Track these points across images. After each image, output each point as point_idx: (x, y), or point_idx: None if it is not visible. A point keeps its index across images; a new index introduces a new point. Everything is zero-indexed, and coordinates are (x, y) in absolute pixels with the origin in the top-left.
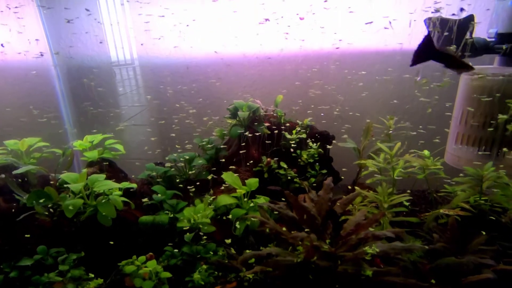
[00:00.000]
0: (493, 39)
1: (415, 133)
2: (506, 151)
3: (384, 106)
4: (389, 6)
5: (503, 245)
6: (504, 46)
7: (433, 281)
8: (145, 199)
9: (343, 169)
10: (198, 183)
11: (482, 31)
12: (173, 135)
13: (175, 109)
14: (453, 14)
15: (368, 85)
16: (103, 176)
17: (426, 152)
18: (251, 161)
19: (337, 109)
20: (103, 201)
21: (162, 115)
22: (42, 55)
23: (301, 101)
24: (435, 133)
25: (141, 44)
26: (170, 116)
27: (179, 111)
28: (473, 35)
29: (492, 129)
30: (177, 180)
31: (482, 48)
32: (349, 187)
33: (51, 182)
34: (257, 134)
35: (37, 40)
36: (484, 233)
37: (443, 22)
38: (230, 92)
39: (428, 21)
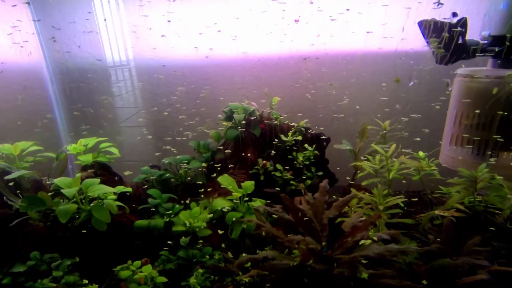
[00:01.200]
0: (486, 41)
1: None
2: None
3: (380, 107)
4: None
5: (497, 246)
6: (496, 48)
7: (424, 282)
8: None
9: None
10: (193, 186)
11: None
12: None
13: (172, 109)
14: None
15: (366, 86)
16: (98, 180)
17: (421, 154)
18: (247, 163)
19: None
20: (97, 205)
21: (158, 116)
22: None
23: (299, 99)
24: (430, 132)
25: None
26: (166, 117)
27: (175, 111)
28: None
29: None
30: (173, 183)
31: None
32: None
33: (45, 187)
34: (253, 136)
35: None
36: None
37: (436, 25)
38: (226, 93)
39: (422, 24)
